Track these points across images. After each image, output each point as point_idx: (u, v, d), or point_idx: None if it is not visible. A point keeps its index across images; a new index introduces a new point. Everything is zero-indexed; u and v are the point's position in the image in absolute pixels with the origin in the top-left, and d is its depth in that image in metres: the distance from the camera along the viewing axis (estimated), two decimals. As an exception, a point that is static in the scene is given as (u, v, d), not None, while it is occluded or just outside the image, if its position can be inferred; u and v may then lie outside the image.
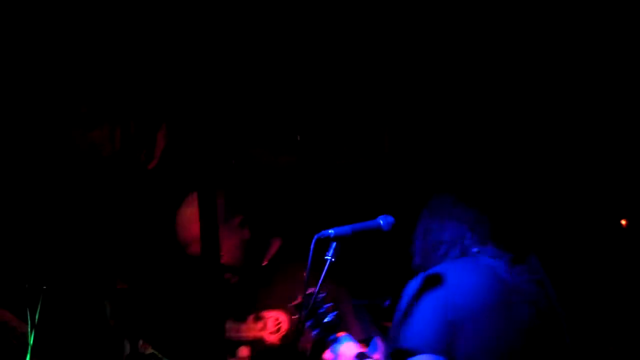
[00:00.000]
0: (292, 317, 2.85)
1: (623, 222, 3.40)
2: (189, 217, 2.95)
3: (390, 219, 2.44)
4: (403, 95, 3.77)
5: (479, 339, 2.31)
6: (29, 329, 2.78)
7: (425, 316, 2.34)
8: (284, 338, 2.94)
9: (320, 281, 2.30)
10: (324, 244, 2.35)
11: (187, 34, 3.23)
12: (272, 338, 2.96)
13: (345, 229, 2.37)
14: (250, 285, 3.07)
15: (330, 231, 2.34)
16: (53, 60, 3.50)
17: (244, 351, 2.99)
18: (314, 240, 2.33)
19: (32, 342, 2.77)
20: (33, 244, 3.54)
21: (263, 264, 3.10)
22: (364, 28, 3.51)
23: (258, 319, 3.01)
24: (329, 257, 2.32)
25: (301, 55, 3.63)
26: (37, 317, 2.79)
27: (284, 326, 2.95)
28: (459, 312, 2.32)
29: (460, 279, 2.38)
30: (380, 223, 2.44)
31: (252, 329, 3.01)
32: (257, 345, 2.98)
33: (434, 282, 2.38)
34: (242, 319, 3.03)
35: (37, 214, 3.60)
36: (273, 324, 2.97)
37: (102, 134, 3.66)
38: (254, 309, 3.02)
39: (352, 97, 3.80)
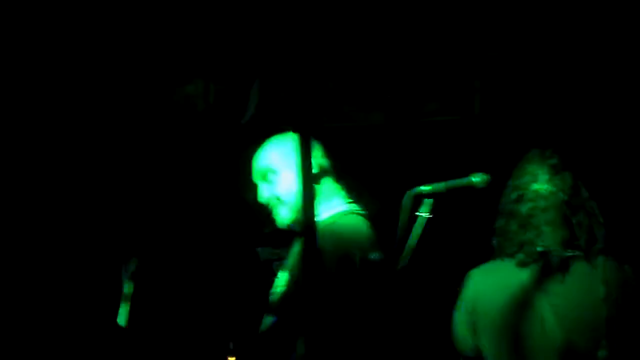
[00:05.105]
0: None
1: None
2: None
3: (484, 176, 2.41)
4: (496, 54, 3.71)
5: None
6: None
7: None
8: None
9: (417, 239, 2.27)
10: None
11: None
12: None
13: (440, 185, 2.34)
14: None
15: (425, 187, 2.32)
16: (146, 17, 3.57)
17: None
18: (405, 197, 2.31)
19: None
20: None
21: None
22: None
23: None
24: (425, 214, 2.28)
25: (393, 13, 3.61)
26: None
27: None
28: None
29: None
30: (472, 180, 2.41)
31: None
32: None
33: None
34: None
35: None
36: None
37: (197, 88, 3.72)
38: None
39: (444, 55, 3.76)
